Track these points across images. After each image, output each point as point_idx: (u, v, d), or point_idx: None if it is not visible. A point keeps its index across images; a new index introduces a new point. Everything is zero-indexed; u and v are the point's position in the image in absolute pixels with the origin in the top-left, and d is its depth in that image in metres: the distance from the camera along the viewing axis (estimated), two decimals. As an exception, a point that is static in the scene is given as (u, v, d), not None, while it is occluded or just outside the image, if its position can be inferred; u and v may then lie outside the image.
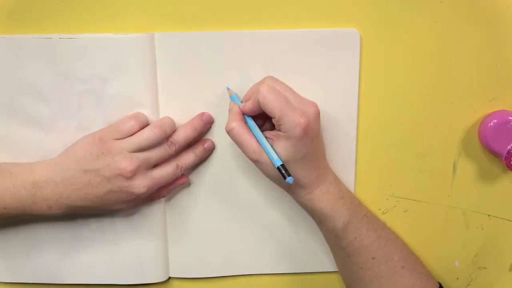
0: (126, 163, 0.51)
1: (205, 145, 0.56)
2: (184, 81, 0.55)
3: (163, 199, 0.58)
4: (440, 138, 0.58)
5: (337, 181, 0.54)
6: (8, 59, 0.53)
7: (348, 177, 0.58)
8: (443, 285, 0.56)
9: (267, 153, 0.50)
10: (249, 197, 0.58)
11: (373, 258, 0.53)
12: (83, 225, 0.57)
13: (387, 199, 0.60)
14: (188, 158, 0.55)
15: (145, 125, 0.54)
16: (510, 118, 0.55)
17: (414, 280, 0.54)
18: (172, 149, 0.53)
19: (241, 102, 0.53)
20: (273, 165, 0.50)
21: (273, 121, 0.50)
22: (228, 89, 0.55)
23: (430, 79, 0.57)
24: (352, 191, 0.59)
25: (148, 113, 0.55)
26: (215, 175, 0.58)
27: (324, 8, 0.54)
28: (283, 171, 0.49)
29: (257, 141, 0.51)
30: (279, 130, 0.50)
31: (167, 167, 0.54)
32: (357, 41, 0.55)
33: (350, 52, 0.55)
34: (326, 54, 0.55)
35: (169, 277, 0.60)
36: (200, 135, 0.56)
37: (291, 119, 0.49)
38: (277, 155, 0.50)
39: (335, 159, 0.57)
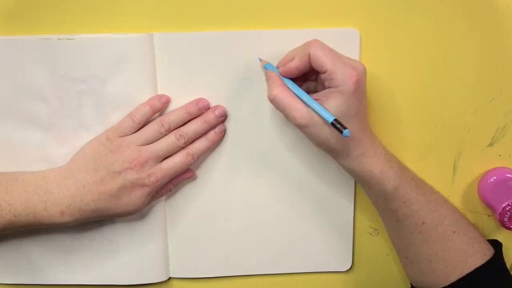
0: (135, 156, 0.51)
1: (216, 129, 0.55)
2: (183, 81, 0.55)
3: (163, 199, 0.58)
4: (440, 138, 0.58)
5: (382, 145, 0.53)
6: (8, 60, 0.53)
7: (348, 177, 0.58)
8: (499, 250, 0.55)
9: (317, 110, 0.48)
10: (249, 197, 0.58)
11: (423, 223, 0.52)
12: (84, 226, 0.57)
13: (387, 199, 0.60)
14: (199, 144, 0.55)
15: (146, 119, 0.54)
16: (509, 175, 0.56)
17: (466, 246, 0.53)
18: (181, 142, 0.53)
19: (277, 69, 0.52)
20: (324, 126, 0.48)
21: (323, 76, 0.48)
22: (260, 59, 0.54)
23: (430, 79, 0.57)
24: (353, 191, 0.59)
25: (148, 113, 0.55)
26: (215, 175, 0.58)
27: (324, 8, 0.54)
28: (338, 125, 0.47)
29: (303, 103, 0.49)
30: (330, 86, 0.48)
31: (176, 157, 0.54)
32: (357, 41, 0.55)
33: (350, 52, 0.55)
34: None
35: (170, 277, 0.60)
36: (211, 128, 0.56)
37: (344, 72, 0.47)
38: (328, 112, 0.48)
39: (335, 159, 0.58)
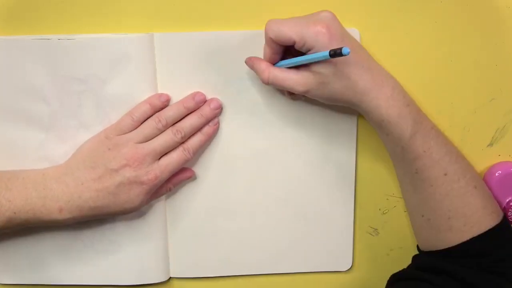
0: (133, 153, 0.51)
1: (210, 122, 0.55)
2: (183, 81, 0.55)
3: (163, 198, 0.58)
4: (440, 138, 0.58)
5: (400, 87, 0.50)
6: (8, 61, 0.53)
7: (348, 177, 0.58)
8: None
9: (312, 59, 0.47)
10: (249, 197, 0.58)
11: (445, 174, 0.49)
12: (84, 225, 0.57)
13: (387, 199, 0.60)
14: (195, 138, 0.55)
15: (146, 117, 0.54)
16: None
17: (485, 202, 0.50)
18: (178, 137, 0.53)
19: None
20: (322, 85, 0.48)
21: (296, 46, 0.48)
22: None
23: (430, 79, 0.57)
24: (353, 191, 0.59)
25: (148, 113, 0.55)
26: (215, 175, 0.58)
27: (324, 8, 0.54)
28: (337, 51, 0.44)
29: (297, 72, 0.49)
30: (307, 51, 0.48)
31: (173, 153, 0.54)
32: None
33: (350, 52, 0.55)
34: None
35: (170, 277, 0.60)
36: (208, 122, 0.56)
37: (310, 32, 0.47)
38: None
39: (335, 158, 0.58)
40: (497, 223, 0.50)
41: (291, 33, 0.47)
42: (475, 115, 0.58)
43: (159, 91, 0.55)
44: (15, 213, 0.50)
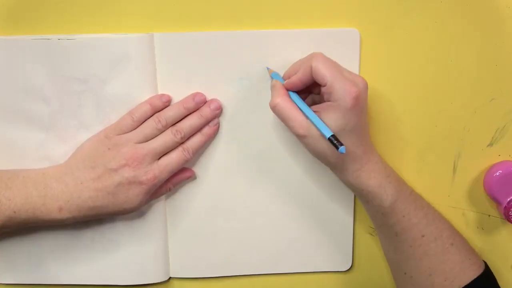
0: (132, 153, 0.51)
1: (210, 123, 0.55)
2: (183, 81, 0.55)
3: (163, 198, 0.58)
4: (440, 138, 0.58)
5: (382, 160, 0.53)
6: (7, 61, 0.53)
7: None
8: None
9: (316, 124, 0.48)
10: (249, 197, 0.58)
11: (423, 236, 0.52)
12: (84, 225, 0.57)
13: (387, 199, 0.60)
14: (195, 138, 0.55)
15: (146, 117, 0.54)
16: None
17: (463, 258, 0.53)
18: (178, 137, 0.53)
19: (283, 79, 0.52)
20: (322, 138, 0.48)
21: (323, 89, 0.49)
22: (268, 68, 0.54)
23: (430, 79, 0.57)
24: (352, 191, 0.59)
25: (148, 113, 0.55)
26: (215, 175, 0.58)
27: (324, 8, 0.54)
28: (335, 141, 0.47)
29: (304, 115, 0.50)
30: (329, 100, 0.49)
31: (172, 153, 0.54)
32: (357, 41, 0.55)
33: (350, 51, 0.55)
34: (326, 54, 0.54)
35: (170, 277, 0.60)
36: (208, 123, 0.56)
37: (343, 87, 0.48)
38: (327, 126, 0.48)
39: (335, 159, 0.58)
40: (478, 274, 0.53)
41: (329, 74, 0.48)
42: (475, 115, 0.58)
43: (159, 91, 0.55)
44: (15, 212, 0.50)
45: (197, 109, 0.55)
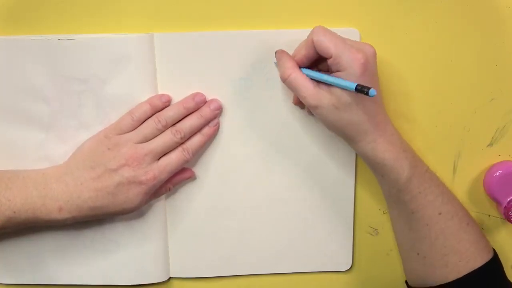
0: (132, 153, 0.51)
1: (210, 123, 0.55)
2: (183, 81, 0.55)
3: (163, 198, 0.58)
4: (440, 138, 0.58)
5: (398, 133, 0.52)
6: (8, 60, 0.53)
7: (348, 177, 0.58)
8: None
9: (336, 83, 0.47)
10: (249, 197, 0.58)
11: (440, 214, 0.52)
12: (84, 225, 0.57)
13: (387, 199, 0.60)
14: (195, 139, 0.55)
15: (146, 117, 0.54)
16: None
17: (479, 238, 0.53)
18: (178, 137, 0.53)
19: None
20: (333, 108, 0.48)
21: (329, 61, 0.48)
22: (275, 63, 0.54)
23: (430, 79, 0.57)
24: (353, 191, 0.59)
25: (148, 113, 0.55)
26: (216, 176, 0.58)
27: (324, 8, 0.54)
28: (363, 88, 0.45)
29: (315, 85, 0.49)
30: (337, 71, 0.48)
31: (172, 154, 0.54)
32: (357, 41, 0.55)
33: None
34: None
35: (170, 277, 0.60)
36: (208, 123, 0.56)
37: (349, 56, 0.47)
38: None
39: (335, 159, 0.58)
40: (490, 258, 0.52)
41: (333, 46, 0.48)
42: (475, 115, 0.58)
43: (159, 91, 0.55)
44: (14, 212, 0.50)
45: (197, 109, 0.55)
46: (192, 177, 0.57)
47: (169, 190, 0.57)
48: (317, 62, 0.51)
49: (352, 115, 0.49)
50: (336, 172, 0.58)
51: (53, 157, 0.56)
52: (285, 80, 0.50)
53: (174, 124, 0.54)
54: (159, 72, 0.55)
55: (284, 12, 0.54)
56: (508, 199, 0.56)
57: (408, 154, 0.51)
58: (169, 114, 0.54)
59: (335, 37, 0.48)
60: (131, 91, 0.54)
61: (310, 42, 0.49)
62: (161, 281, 0.60)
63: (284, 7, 0.54)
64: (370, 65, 0.48)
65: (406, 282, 0.57)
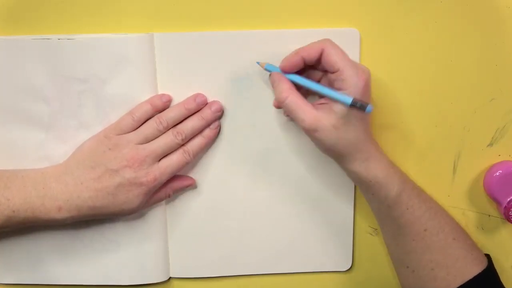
0: (133, 154, 0.51)
1: (211, 125, 0.55)
2: (183, 81, 0.55)
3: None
4: (440, 138, 0.58)
5: (381, 149, 0.53)
6: (7, 60, 0.53)
7: (348, 177, 0.58)
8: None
9: (333, 96, 0.47)
10: (248, 197, 0.58)
11: (425, 230, 0.52)
12: (84, 225, 0.57)
13: (387, 199, 0.60)
14: (195, 141, 0.55)
15: (147, 117, 0.54)
16: None
17: (465, 252, 0.53)
18: (179, 139, 0.53)
19: (279, 68, 0.51)
20: (332, 129, 0.48)
21: (334, 75, 0.48)
22: (258, 63, 0.54)
23: (430, 79, 0.57)
24: (353, 191, 0.59)
25: (148, 113, 0.55)
26: (216, 175, 0.58)
27: (324, 8, 0.54)
28: (359, 103, 0.45)
29: (313, 108, 0.49)
30: (338, 87, 0.48)
31: (173, 155, 0.54)
32: (357, 41, 0.55)
33: (350, 51, 0.54)
34: (326, 54, 0.55)
35: (170, 277, 0.60)
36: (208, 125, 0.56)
37: (355, 73, 0.47)
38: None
39: (335, 159, 0.58)
40: (481, 270, 0.52)
41: (341, 60, 0.48)
42: (475, 115, 0.58)
43: (159, 91, 0.55)
44: (14, 211, 0.50)
45: (198, 110, 0.55)
46: (193, 185, 0.57)
47: (169, 196, 0.56)
48: (310, 74, 0.52)
49: (349, 133, 0.49)
50: (337, 172, 0.58)
51: (53, 157, 0.56)
52: (282, 103, 0.50)
53: (175, 126, 0.54)
54: (159, 72, 0.55)
55: (284, 12, 0.54)
56: (508, 199, 0.56)
57: (397, 170, 0.53)
58: (170, 115, 0.54)
59: (342, 53, 0.49)
60: (131, 91, 0.54)
61: (316, 49, 0.49)
62: (161, 281, 0.60)
63: (284, 7, 0.54)
64: (369, 86, 0.49)
65: None
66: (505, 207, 0.56)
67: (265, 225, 0.59)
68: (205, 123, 0.55)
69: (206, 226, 0.59)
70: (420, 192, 0.54)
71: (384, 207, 0.53)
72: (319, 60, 0.49)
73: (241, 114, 0.56)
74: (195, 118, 0.54)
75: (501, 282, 0.54)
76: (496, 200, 0.57)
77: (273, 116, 0.57)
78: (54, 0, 0.53)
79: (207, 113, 0.54)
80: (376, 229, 0.61)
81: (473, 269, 0.52)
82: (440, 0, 0.55)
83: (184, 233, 0.59)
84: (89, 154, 0.53)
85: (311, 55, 0.49)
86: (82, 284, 0.59)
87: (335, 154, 0.51)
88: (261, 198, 0.59)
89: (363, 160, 0.51)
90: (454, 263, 0.52)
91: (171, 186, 0.56)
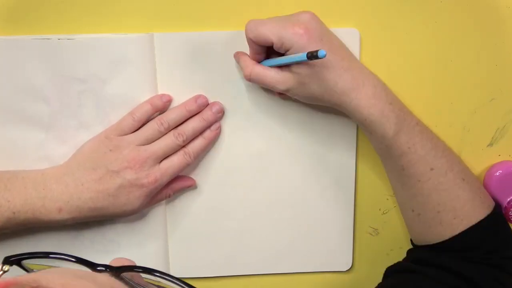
0: (134, 155, 0.51)
1: (212, 127, 0.55)
2: (183, 81, 0.55)
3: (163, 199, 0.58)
4: (440, 138, 0.58)
5: (382, 85, 0.50)
6: (8, 60, 0.53)
7: (348, 177, 0.58)
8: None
9: (291, 60, 0.48)
10: (248, 197, 0.58)
11: (432, 169, 0.49)
12: (84, 225, 0.57)
13: (387, 199, 0.60)
14: (196, 142, 0.55)
15: (147, 117, 0.54)
16: None
17: (474, 195, 0.50)
18: (180, 140, 0.53)
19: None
20: (302, 85, 0.49)
21: (275, 48, 0.49)
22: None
23: (430, 79, 0.57)
24: (353, 191, 0.59)
25: (148, 113, 0.55)
26: (216, 175, 0.58)
27: (324, 8, 0.54)
28: (313, 53, 0.44)
29: (279, 71, 0.50)
30: (286, 51, 0.48)
31: (174, 156, 0.54)
32: (357, 41, 0.55)
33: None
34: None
35: (169, 277, 0.60)
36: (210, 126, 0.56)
37: (287, 33, 0.47)
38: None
39: (335, 159, 0.58)
40: (487, 214, 0.50)
41: (269, 33, 0.48)
42: (475, 115, 0.58)
43: (159, 91, 0.55)
44: (14, 213, 0.50)
45: (199, 112, 0.55)
46: (193, 186, 0.57)
47: (169, 196, 0.56)
48: (272, 52, 0.51)
49: (320, 83, 0.48)
50: (336, 172, 0.58)
51: (53, 157, 0.55)
52: (249, 77, 0.51)
53: (176, 127, 0.54)
54: (159, 72, 0.55)
55: (284, 12, 0.54)
56: (508, 199, 0.56)
57: (395, 107, 0.49)
58: (171, 116, 0.53)
59: (268, 24, 0.48)
60: (131, 91, 0.54)
61: (250, 40, 0.49)
62: (161, 281, 0.60)
63: (284, 7, 0.54)
64: (312, 31, 0.48)
65: (411, 239, 0.56)
66: (505, 207, 0.56)
67: (265, 225, 0.59)
68: (206, 124, 0.55)
69: (206, 226, 0.59)
70: (423, 129, 0.51)
71: (384, 147, 0.50)
72: (260, 44, 0.49)
73: (241, 114, 0.56)
74: (196, 120, 0.54)
75: (508, 225, 0.52)
76: (495, 200, 0.57)
77: (273, 117, 0.57)
78: (54, 0, 0.53)
79: (208, 114, 0.54)
80: (376, 229, 0.61)
81: (480, 213, 0.50)
82: (440, 0, 0.55)
83: (184, 233, 0.59)
84: (89, 155, 0.52)
85: (255, 49, 0.50)
86: (82, 284, 0.59)
87: (319, 102, 0.51)
88: (261, 198, 0.59)
89: (351, 100, 0.48)
90: (462, 207, 0.50)
91: (172, 187, 0.56)
